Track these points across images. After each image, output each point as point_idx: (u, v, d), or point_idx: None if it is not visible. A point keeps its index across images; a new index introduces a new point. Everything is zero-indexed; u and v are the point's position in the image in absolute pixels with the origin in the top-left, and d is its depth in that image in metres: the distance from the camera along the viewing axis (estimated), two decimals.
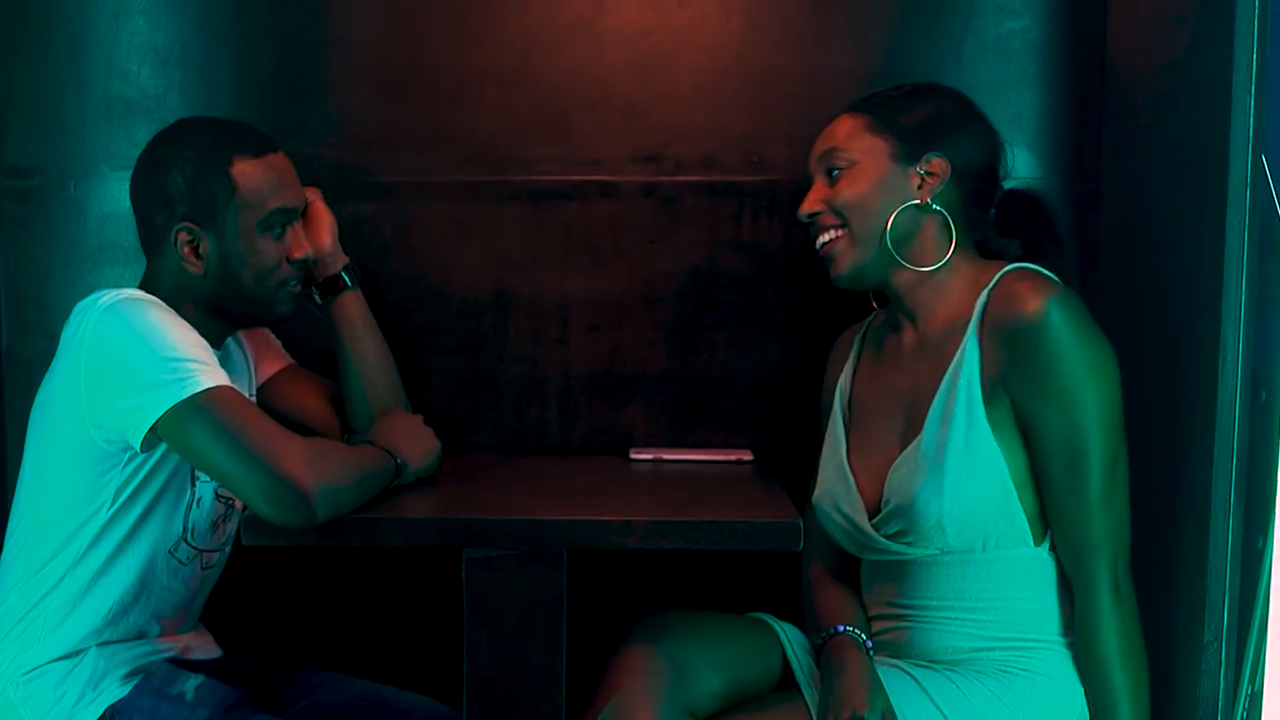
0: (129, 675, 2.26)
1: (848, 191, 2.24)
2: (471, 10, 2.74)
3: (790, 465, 2.70)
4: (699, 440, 2.76)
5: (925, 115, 2.24)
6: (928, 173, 2.22)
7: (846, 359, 2.45)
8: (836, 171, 2.26)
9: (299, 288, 2.37)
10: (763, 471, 2.58)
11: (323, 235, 2.46)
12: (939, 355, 2.22)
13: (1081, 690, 2.15)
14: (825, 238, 2.28)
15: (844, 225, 2.25)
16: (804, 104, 2.70)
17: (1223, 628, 2.14)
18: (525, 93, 2.73)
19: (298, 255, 2.33)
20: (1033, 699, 2.15)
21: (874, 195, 2.23)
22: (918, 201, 2.22)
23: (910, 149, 2.23)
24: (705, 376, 2.76)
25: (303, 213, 2.41)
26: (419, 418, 2.42)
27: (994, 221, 2.32)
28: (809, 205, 2.29)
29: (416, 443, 2.35)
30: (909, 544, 2.21)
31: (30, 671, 2.23)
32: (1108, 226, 2.62)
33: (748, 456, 2.65)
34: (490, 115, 2.74)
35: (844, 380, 2.42)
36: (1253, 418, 2.12)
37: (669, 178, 2.72)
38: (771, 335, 2.74)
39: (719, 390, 2.76)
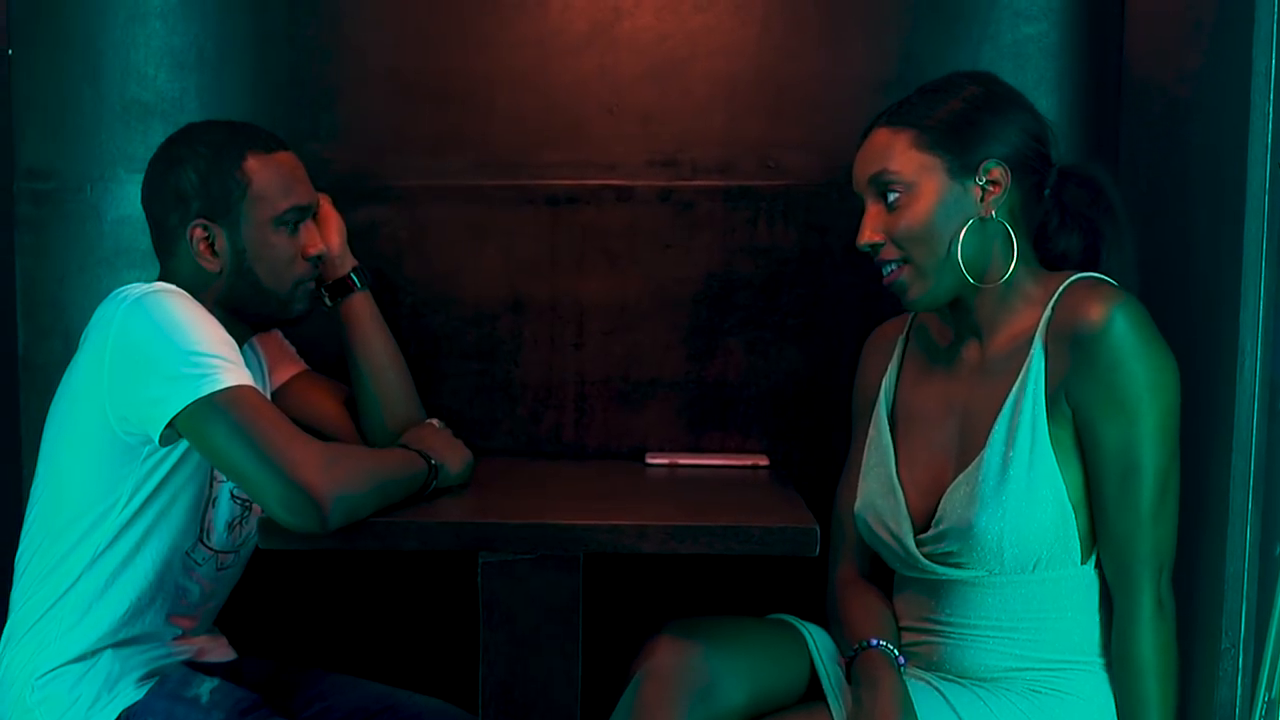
0: (144, 678, 2.27)
1: (909, 220, 2.17)
2: (486, 15, 2.74)
3: (806, 470, 2.70)
4: (715, 445, 2.75)
5: (964, 114, 2.17)
6: (989, 183, 2.16)
7: (889, 358, 2.40)
8: (893, 196, 2.18)
9: (315, 285, 2.38)
10: (779, 476, 2.58)
11: (331, 237, 2.47)
12: (1003, 371, 2.18)
13: (1112, 711, 2.15)
14: (890, 269, 2.21)
15: (908, 258, 2.19)
16: (820, 109, 2.70)
17: (1240, 635, 2.14)
18: (541, 97, 2.74)
19: (313, 251, 2.34)
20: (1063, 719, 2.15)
21: (937, 220, 2.16)
22: (982, 215, 2.16)
23: (965, 160, 2.16)
24: (721, 381, 2.75)
25: (315, 212, 2.41)
26: (449, 430, 2.43)
27: (1052, 207, 2.25)
28: (869, 235, 2.21)
29: (452, 449, 2.35)
30: (957, 565, 2.19)
31: (45, 674, 2.23)
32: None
33: (764, 462, 2.65)
34: (505, 120, 2.74)
35: (887, 382, 2.38)
36: (1270, 424, 2.12)
37: (685, 182, 2.72)
38: (787, 340, 2.74)
39: (735, 395, 2.75)
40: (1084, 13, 2.68)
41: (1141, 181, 2.53)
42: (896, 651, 2.20)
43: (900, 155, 2.18)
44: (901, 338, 2.40)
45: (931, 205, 2.17)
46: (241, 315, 2.34)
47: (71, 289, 2.73)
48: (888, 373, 2.38)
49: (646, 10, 2.71)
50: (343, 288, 2.48)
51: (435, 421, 2.47)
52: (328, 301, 2.49)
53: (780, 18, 2.71)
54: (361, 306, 2.49)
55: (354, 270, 2.49)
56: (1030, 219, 2.23)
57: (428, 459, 2.26)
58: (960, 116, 2.17)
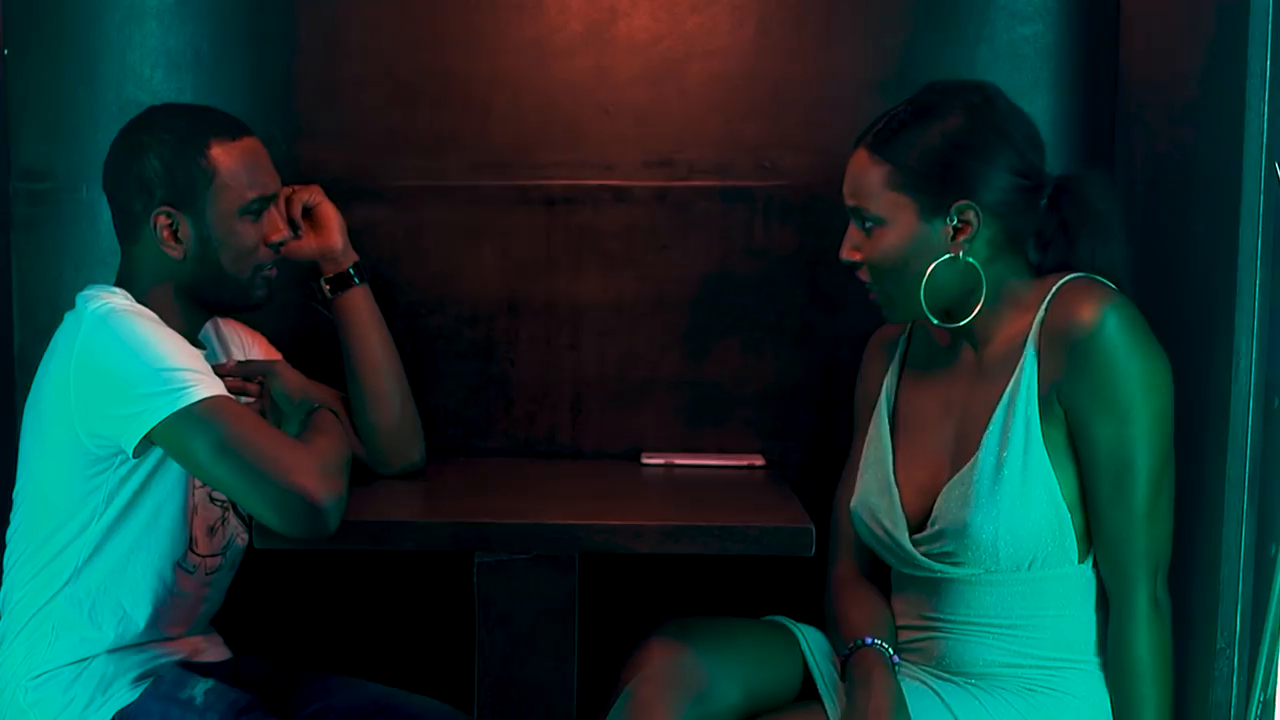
0: (138, 679, 2.27)
1: (879, 252, 2.18)
2: (483, 16, 2.74)
3: (802, 470, 2.70)
4: (710, 445, 2.75)
5: (942, 156, 2.14)
6: (961, 223, 2.15)
7: (890, 359, 2.41)
8: (869, 225, 2.19)
9: (274, 272, 2.37)
10: (775, 477, 2.58)
11: (333, 234, 2.48)
12: (998, 374, 2.18)
13: (1108, 710, 2.15)
14: (868, 288, 2.25)
15: (881, 284, 2.22)
16: (816, 110, 2.70)
17: (1235, 634, 2.14)
18: (537, 98, 2.74)
19: (275, 238, 2.34)
20: (1058, 719, 2.15)
21: (907, 257, 2.17)
22: (951, 254, 2.16)
23: (938, 201, 2.15)
24: (717, 382, 2.75)
25: (278, 199, 2.41)
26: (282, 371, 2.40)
27: (1047, 219, 2.22)
28: (847, 253, 2.23)
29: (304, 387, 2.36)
30: (954, 564, 2.19)
31: (39, 676, 2.23)
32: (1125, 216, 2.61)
33: (759, 462, 2.65)
34: (502, 120, 2.74)
35: (889, 383, 2.38)
36: (1265, 424, 2.12)
37: (681, 183, 2.72)
38: (783, 341, 2.74)
39: (731, 395, 2.75)
40: (1080, 13, 2.68)
41: (1137, 182, 2.53)
42: (891, 650, 2.20)
43: (875, 192, 2.18)
44: (903, 339, 2.41)
45: (901, 243, 2.18)
46: (201, 301, 2.34)
47: (67, 289, 2.70)
48: (889, 373, 2.39)
49: (643, 11, 2.71)
50: (344, 281, 2.49)
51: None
52: (328, 295, 2.49)
53: (776, 18, 2.71)
54: (360, 301, 2.50)
55: (354, 266, 2.49)
56: (1018, 236, 2.21)
57: (336, 414, 2.29)
58: (938, 158, 2.15)
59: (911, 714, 2.14)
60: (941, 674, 2.21)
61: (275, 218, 2.36)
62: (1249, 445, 2.11)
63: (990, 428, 2.16)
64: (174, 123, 2.29)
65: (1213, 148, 2.19)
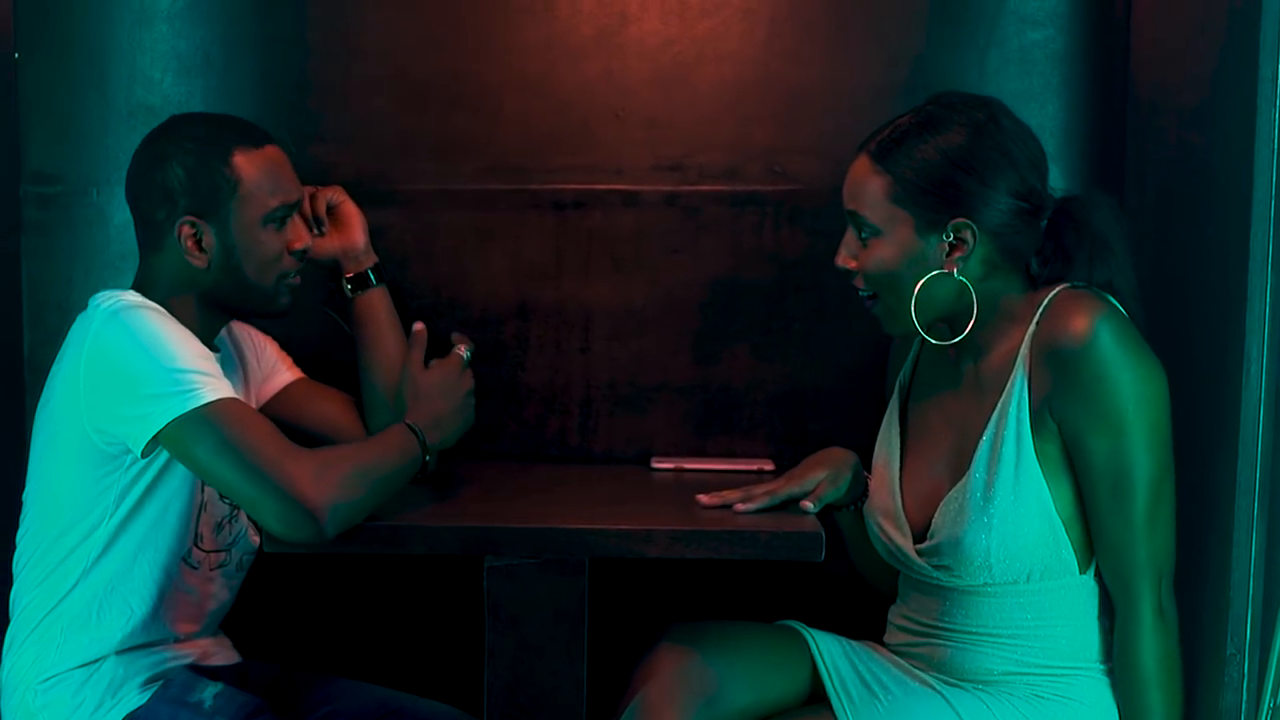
0: (148, 682, 2.27)
1: (875, 262, 2.17)
2: (494, 20, 2.74)
3: None
4: (720, 450, 2.75)
5: (941, 173, 2.12)
6: (957, 240, 2.14)
7: (904, 360, 2.42)
8: (865, 234, 2.18)
9: (298, 280, 2.37)
10: None
11: (355, 233, 2.49)
12: (992, 387, 2.17)
13: (1115, 717, 2.15)
14: (864, 297, 2.24)
15: (877, 293, 2.21)
16: (827, 115, 2.70)
17: (1245, 641, 2.14)
18: (547, 102, 2.74)
19: (298, 246, 2.34)
20: None
21: (901, 269, 2.16)
22: (944, 270, 2.15)
23: (935, 218, 2.14)
24: (727, 386, 2.75)
25: (300, 206, 2.41)
26: (454, 366, 2.38)
27: (1046, 239, 2.20)
28: (843, 260, 2.22)
29: (451, 407, 2.33)
30: (953, 576, 2.20)
31: (49, 679, 2.24)
32: (1131, 239, 2.61)
33: (769, 466, 2.65)
34: (512, 124, 2.74)
35: (903, 378, 2.39)
36: (1275, 429, 2.12)
37: (691, 187, 2.72)
38: (793, 345, 2.74)
39: (740, 400, 2.75)
40: (1090, 18, 2.68)
41: (1148, 187, 2.53)
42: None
43: (873, 202, 2.17)
44: (917, 341, 2.40)
45: (896, 254, 2.16)
46: (223, 308, 2.35)
47: (77, 292, 2.72)
48: (903, 371, 2.39)
49: (653, 15, 2.71)
50: (363, 282, 2.49)
51: (462, 347, 2.41)
52: (349, 293, 2.50)
53: (787, 23, 2.71)
54: (379, 302, 2.51)
55: (373, 267, 2.50)
56: (1016, 255, 2.19)
57: (421, 436, 2.25)
58: (937, 176, 2.13)
59: (919, 718, 2.14)
60: (949, 679, 2.21)
61: (299, 225, 2.36)
62: (1259, 450, 2.11)
63: (982, 443, 2.15)
64: (196, 131, 2.29)
65: (1224, 151, 2.19)
